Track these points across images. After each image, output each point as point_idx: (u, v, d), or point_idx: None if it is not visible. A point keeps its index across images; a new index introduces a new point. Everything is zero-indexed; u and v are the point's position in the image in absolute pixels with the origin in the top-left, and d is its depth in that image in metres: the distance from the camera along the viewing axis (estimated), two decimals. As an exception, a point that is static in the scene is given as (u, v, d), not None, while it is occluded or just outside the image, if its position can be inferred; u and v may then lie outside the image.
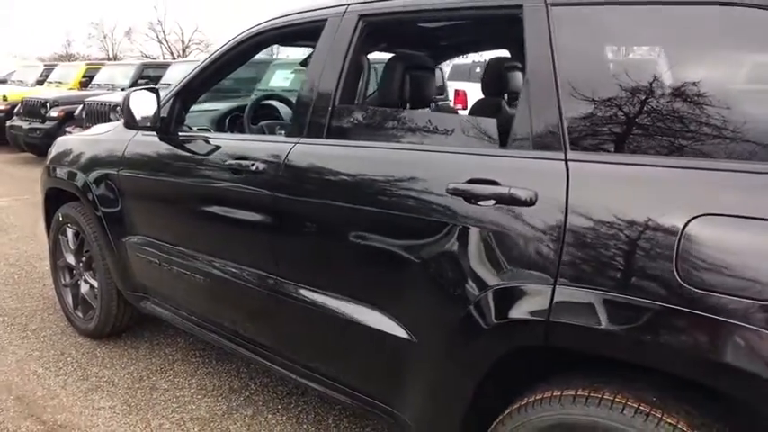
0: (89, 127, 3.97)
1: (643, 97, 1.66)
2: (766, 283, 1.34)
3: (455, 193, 1.87)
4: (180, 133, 3.02)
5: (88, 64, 15.52)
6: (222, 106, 5.12)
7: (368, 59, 3.38)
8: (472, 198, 1.83)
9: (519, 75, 3.25)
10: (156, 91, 2.99)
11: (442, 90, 10.66)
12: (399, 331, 2.08)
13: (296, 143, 2.41)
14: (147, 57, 40.51)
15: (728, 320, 1.38)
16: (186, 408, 3.07)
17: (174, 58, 38.38)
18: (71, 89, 13.43)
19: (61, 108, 10.71)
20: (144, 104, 2.94)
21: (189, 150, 2.90)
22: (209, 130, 3.60)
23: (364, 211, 2.12)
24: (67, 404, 3.11)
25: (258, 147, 2.60)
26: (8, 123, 11.54)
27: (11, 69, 18.55)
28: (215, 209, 2.75)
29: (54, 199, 3.92)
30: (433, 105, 3.23)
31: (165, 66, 13.17)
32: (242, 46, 2.83)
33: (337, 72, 2.36)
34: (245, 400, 3.14)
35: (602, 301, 1.55)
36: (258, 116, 3.98)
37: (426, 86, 2.77)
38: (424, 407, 2.07)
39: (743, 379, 1.38)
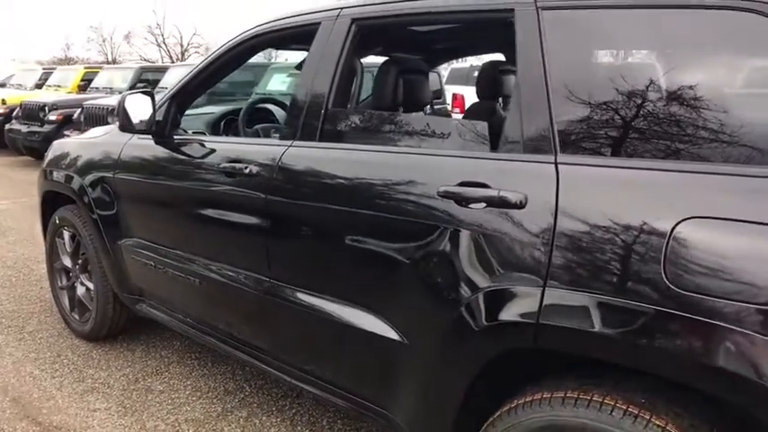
0: (87, 130, 3.97)
1: (633, 101, 1.67)
2: (753, 286, 1.35)
3: (446, 195, 1.88)
4: (175, 136, 3.03)
5: (87, 67, 15.51)
6: (218, 109, 5.12)
7: (361, 63, 3.39)
8: (463, 201, 1.84)
9: (513, 78, 3.25)
10: (151, 94, 3.01)
11: (440, 94, 10.66)
12: (391, 333, 2.09)
13: (289, 146, 2.42)
14: (146, 60, 40.52)
15: (716, 323, 1.39)
16: (181, 409, 3.08)
17: (172, 62, 38.42)
18: (70, 92, 13.45)
19: (60, 111, 10.73)
20: (139, 108, 2.95)
21: (184, 153, 2.91)
22: (205, 134, 3.61)
23: (356, 214, 2.13)
24: (63, 406, 3.11)
25: (252, 150, 2.61)
26: (7, 127, 11.56)
27: (10, 73, 18.54)
28: (210, 212, 2.76)
29: (51, 202, 3.93)
30: (427, 109, 3.24)
31: (163, 69, 13.19)
32: (236, 49, 2.85)
33: (330, 75, 2.37)
34: (240, 402, 3.15)
35: (591, 304, 1.56)
36: (254, 119, 3.99)
37: (420, 90, 2.79)
38: (416, 409, 2.08)
39: (729, 381, 1.39)
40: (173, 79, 10.76)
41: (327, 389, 2.44)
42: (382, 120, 2.33)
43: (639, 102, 1.66)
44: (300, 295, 2.40)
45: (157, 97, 3.08)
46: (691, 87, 1.59)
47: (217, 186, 2.66)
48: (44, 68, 18.01)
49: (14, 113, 11.66)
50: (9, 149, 11.99)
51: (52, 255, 4.01)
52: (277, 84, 8.80)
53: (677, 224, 1.45)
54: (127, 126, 2.97)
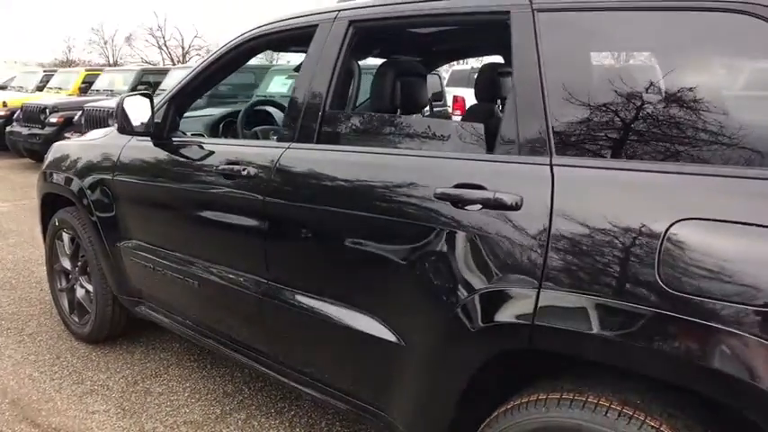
0: (88, 133, 4.00)
1: (628, 103, 1.67)
2: (747, 287, 1.35)
3: (442, 197, 1.88)
4: (174, 138, 3.04)
5: (88, 70, 15.54)
6: (217, 112, 5.14)
7: (358, 65, 3.39)
8: (459, 203, 1.85)
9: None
10: (149, 96, 3.01)
11: (441, 96, 10.66)
12: (388, 335, 2.09)
13: (287, 148, 2.43)
14: (147, 63, 40.59)
15: (710, 324, 1.39)
16: (180, 411, 3.08)
17: (174, 64, 38.45)
18: (70, 95, 13.47)
19: (60, 114, 10.75)
20: (138, 110, 2.96)
21: (182, 155, 2.92)
22: (204, 136, 3.61)
23: (353, 216, 2.14)
24: (62, 408, 3.12)
25: (250, 152, 2.61)
26: (8, 129, 11.58)
27: (11, 75, 18.57)
28: (208, 214, 2.77)
29: (50, 204, 3.94)
30: (425, 111, 3.25)
31: (164, 71, 13.21)
32: (235, 52, 2.85)
33: (328, 77, 2.38)
34: (239, 404, 3.15)
35: (585, 305, 1.57)
36: (253, 121, 4.00)
37: (418, 92, 2.79)
38: (414, 410, 2.08)
39: (722, 383, 1.39)
40: (174, 81, 10.78)
41: (326, 391, 2.44)
42: (379, 122, 2.33)
43: (634, 104, 1.67)
44: (298, 297, 2.41)
45: (156, 99, 3.09)
46: (686, 90, 1.60)
47: (215, 188, 2.67)
48: (45, 71, 18.04)
49: (15, 116, 11.68)
50: (10, 152, 12.01)
51: (52, 257, 4.01)
52: (278, 86, 8.81)
53: (671, 226, 1.46)
54: (125, 128, 2.98)
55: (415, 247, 1.97)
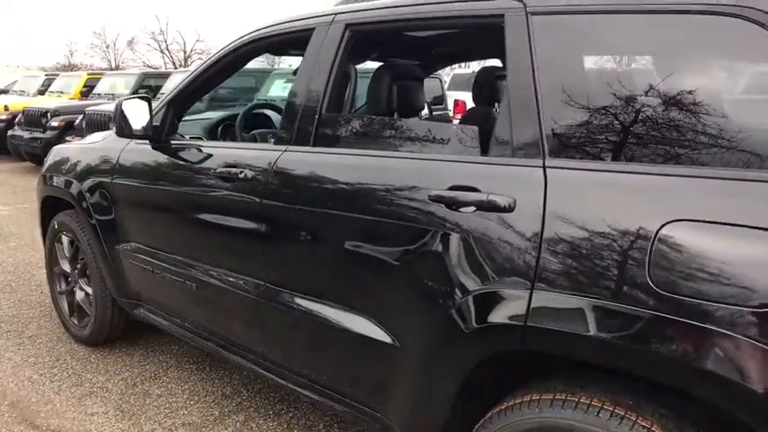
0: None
1: (621, 105, 1.68)
2: (738, 288, 1.36)
3: (437, 199, 1.90)
4: (172, 141, 3.05)
5: (89, 74, 15.57)
6: (216, 115, 5.15)
7: (355, 69, 3.41)
8: (453, 204, 1.86)
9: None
10: (148, 99, 3.02)
11: (442, 100, 10.68)
12: (384, 337, 2.10)
13: (284, 151, 2.44)
14: (149, 66, 40.64)
15: (700, 325, 1.40)
16: (178, 413, 3.09)
17: (175, 68, 38.51)
18: (72, 99, 13.48)
19: (62, 118, 10.77)
20: (136, 113, 2.97)
21: (180, 158, 2.93)
22: (202, 139, 3.63)
23: (349, 218, 2.15)
24: (61, 410, 3.13)
25: (248, 155, 2.62)
26: (9, 133, 11.61)
27: (12, 79, 18.61)
28: (206, 216, 2.78)
29: (50, 207, 3.96)
30: (422, 114, 3.26)
31: (165, 75, 13.22)
32: (233, 55, 2.86)
33: (324, 81, 2.39)
34: (237, 406, 3.16)
35: (577, 306, 1.58)
36: (251, 125, 4.01)
37: (414, 96, 2.81)
38: (409, 411, 2.09)
39: (713, 383, 1.40)
40: (175, 85, 10.80)
41: (324, 393, 2.45)
42: (375, 125, 2.34)
43: (627, 107, 1.68)
44: (294, 299, 2.42)
45: (155, 103, 3.10)
46: (680, 93, 1.60)
47: (213, 191, 2.68)
48: (47, 75, 18.08)
49: (17, 119, 11.71)
50: (11, 155, 12.03)
51: (51, 260, 4.03)
52: (278, 90, 8.81)
53: (662, 227, 1.47)
54: (124, 131, 2.99)
55: (409, 248, 1.98)
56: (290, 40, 2.74)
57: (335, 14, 2.43)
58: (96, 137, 3.83)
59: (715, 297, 1.39)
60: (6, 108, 12.64)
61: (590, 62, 1.91)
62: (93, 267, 3.57)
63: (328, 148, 2.36)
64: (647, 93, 1.68)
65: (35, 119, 11.00)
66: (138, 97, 3.02)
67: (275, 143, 2.58)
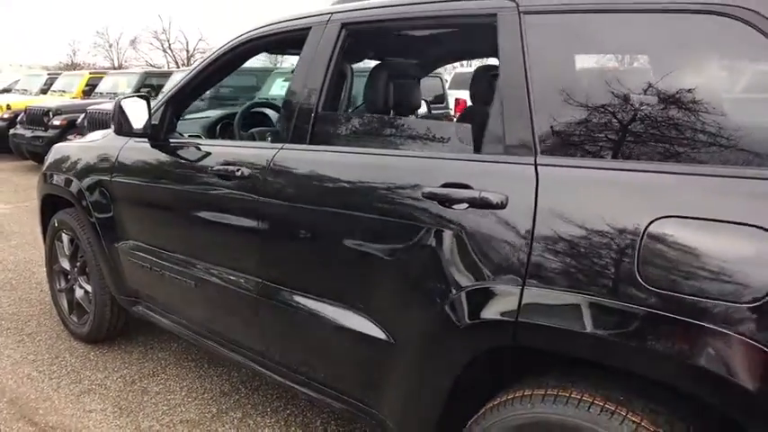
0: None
1: (612, 104, 1.69)
2: (727, 284, 1.38)
3: (430, 196, 1.91)
4: (171, 140, 3.07)
5: (91, 73, 15.60)
6: (214, 113, 5.16)
7: (351, 68, 3.42)
8: (446, 201, 1.87)
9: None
10: (146, 98, 3.04)
11: (443, 99, 10.67)
12: (379, 333, 2.12)
13: (280, 149, 2.45)
14: (152, 66, 40.66)
15: (690, 321, 1.41)
16: (176, 410, 3.11)
17: (178, 67, 38.55)
18: (74, 98, 13.50)
19: (64, 116, 10.80)
20: (135, 111, 2.98)
21: (179, 157, 2.95)
22: (201, 137, 3.64)
23: (344, 215, 2.16)
24: (59, 406, 3.15)
25: (245, 152, 2.64)
26: (11, 131, 11.65)
27: (15, 78, 18.64)
28: (204, 214, 2.79)
29: (50, 205, 3.97)
30: (418, 113, 3.27)
31: (167, 74, 13.24)
32: (231, 54, 2.88)
33: (320, 79, 2.41)
34: (235, 403, 3.18)
35: (568, 302, 1.59)
36: (250, 123, 4.02)
37: (410, 94, 2.82)
38: (403, 407, 2.10)
39: (704, 379, 1.41)
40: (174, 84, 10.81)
41: (321, 390, 2.46)
42: (371, 123, 2.36)
43: (618, 105, 1.69)
44: (292, 296, 2.43)
45: (154, 101, 3.12)
46: (670, 91, 1.61)
47: (211, 189, 2.70)
48: (49, 74, 18.10)
49: (19, 118, 11.74)
50: (13, 154, 12.07)
51: (51, 258, 4.05)
52: (279, 89, 8.82)
53: (650, 223, 1.48)
54: (123, 130, 3.00)
55: (403, 245, 1.99)
56: (286, 40, 2.75)
57: (331, 14, 2.44)
58: (96, 135, 3.84)
59: (703, 293, 1.40)
60: (9, 107, 12.68)
61: (581, 61, 1.92)
62: (93, 265, 3.59)
63: (324, 146, 2.37)
64: (637, 92, 1.69)
65: (37, 117, 11.03)
66: (137, 96, 3.04)
67: (272, 141, 2.60)
